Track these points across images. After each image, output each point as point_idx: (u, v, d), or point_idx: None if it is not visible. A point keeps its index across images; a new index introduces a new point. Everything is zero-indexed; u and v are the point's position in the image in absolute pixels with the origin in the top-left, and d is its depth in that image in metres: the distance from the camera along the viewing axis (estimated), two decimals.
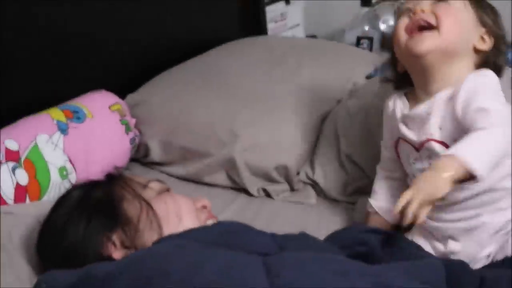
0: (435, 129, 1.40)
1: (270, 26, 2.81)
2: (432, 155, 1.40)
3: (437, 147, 1.38)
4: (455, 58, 1.42)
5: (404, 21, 1.43)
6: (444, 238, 1.46)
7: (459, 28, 1.41)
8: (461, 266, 1.36)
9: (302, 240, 1.34)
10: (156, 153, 1.96)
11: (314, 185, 1.88)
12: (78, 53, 1.96)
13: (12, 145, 1.63)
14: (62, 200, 1.39)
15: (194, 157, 1.91)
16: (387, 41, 2.85)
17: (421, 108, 1.42)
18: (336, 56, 2.32)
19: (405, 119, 1.47)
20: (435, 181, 1.22)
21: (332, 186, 1.86)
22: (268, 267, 1.11)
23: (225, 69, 2.13)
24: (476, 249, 1.42)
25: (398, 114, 1.49)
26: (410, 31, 1.41)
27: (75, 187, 1.43)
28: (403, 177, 1.57)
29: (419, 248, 1.44)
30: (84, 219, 1.30)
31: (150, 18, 2.20)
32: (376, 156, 1.81)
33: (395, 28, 1.47)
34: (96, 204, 1.33)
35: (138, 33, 2.17)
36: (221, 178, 1.88)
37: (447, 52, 1.41)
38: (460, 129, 1.34)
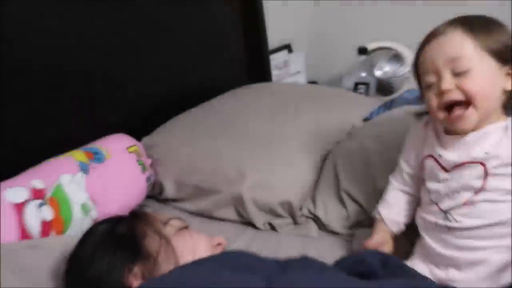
0: (480, 153, 1.38)
1: (274, 72, 2.83)
2: (464, 175, 1.40)
3: (475, 170, 1.39)
4: (494, 106, 1.39)
5: (434, 100, 1.39)
6: (446, 266, 1.44)
7: (490, 92, 1.37)
8: None
9: (304, 261, 1.35)
10: (170, 191, 1.97)
11: (316, 219, 1.88)
12: (98, 99, 1.99)
13: (39, 184, 1.64)
14: (89, 234, 1.41)
15: (205, 194, 1.91)
16: (382, 86, 2.88)
17: (470, 136, 1.40)
18: (335, 100, 2.34)
19: (445, 143, 1.45)
20: None
21: (332, 220, 1.85)
22: (269, 282, 1.14)
23: (233, 114, 2.15)
24: (476, 283, 1.40)
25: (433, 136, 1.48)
26: (445, 109, 1.38)
27: (101, 222, 1.44)
28: (416, 193, 1.57)
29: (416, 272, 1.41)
30: (109, 251, 1.32)
31: (164, 67, 2.22)
32: (373, 192, 1.83)
33: (429, 105, 1.41)
34: (121, 238, 1.35)
35: (153, 80, 2.19)
36: (229, 213, 1.88)
37: (487, 114, 1.38)
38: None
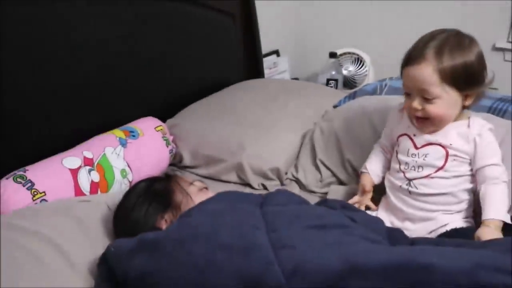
0: (445, 141, 1.40)
1: (266, 71, 2.82)
2: (429, 154, 1.42)
3: (436, 151, 1.41)
4: (451, 120, 1.40)
5: (407, 105, 1.41)
6: (403, 219, 1.46)
7: (447, 115, 1.37)
8: (399, 230, 1.39)
9: (285, 193, 1.39)
10: (187, 160, 1.97)
11: (297, 181, 1.89)
12: (133, 92, 1.99)
13: (88, 155, 1.66)
14: (132, 189, 1.44)
15: (214, 162, 1.91)
16: (348, 82, 2.89)
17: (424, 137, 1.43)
18: (312, 92, 2.34)
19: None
20: (492, 234, 1.29)
21: (310, 182, 1.86)
22: (266, 220, 1.16)
23: (235, 102, 2.15)
24: (423, 233, 1.42)
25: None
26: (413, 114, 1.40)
27: (141, 181, 1.46)
28: (389, 159, 1.57)
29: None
30: (147, 203, 1.35)
31: (184, 68, 2.21)
32: (341, 161, 1.85)
33: (405, 105, 1.43)
34: (156, 193, 1.38)
35: (175, 78, 2.18)
36: (232, 176, 1.88)
37: (444, 124, 1.39)
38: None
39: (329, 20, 3.12)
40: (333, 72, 2.84)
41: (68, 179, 1.57)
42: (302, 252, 1.07)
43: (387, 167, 1.59)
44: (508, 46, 2.67)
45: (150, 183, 1.43)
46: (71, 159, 1.62)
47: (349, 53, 2.92)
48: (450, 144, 1.40)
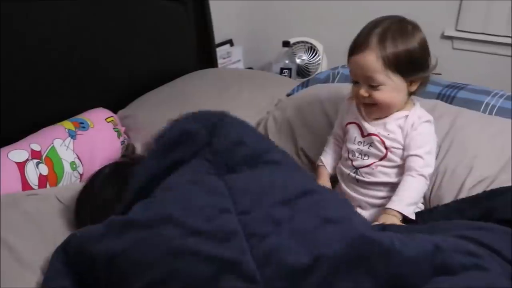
0: (385, 132, 1.44)
1: (220, 61, 2.80)
2: (373, 144, 1.45)
3: (378, 142, 1.44)
4: (398, 105, 1.43)
5: (354, 92, 1.43)
6: (355, 206, 1.46)
7: (393, 101, 1.40)
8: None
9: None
10: (140, 151, 1.92)
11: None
12: (83, 82, 1.95)
13: (36, 147, 1.63)
14: (97, 173, 1.41)
15: None
16: (301, 71, 2.91)
17: (374, 123, 1.45)
18: (266, 81, 2.34)
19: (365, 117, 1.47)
20: (391, 220, 1.35)
21: None
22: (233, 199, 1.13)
23: (188, 91, 2.13)
24: (372, 219, 1.43)
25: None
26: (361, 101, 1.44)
27: (106, 165, 1.43)
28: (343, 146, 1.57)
29: None
30: (117, 183, 1.32)
31: (134, 57, 2.18)
32: (294, 148, 1.86)
33: (353, 93, 1.46)
34: (125, 174, 1.32)
35: (126, 68, 2.15)
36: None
37: (391, 110, 1.43)
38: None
39: (282, 9, 3.12)
40: (287, 61, 2.85)
41: (15, 173, 1.53)
42: (272, 243, 1.04)
43: (339, 157, 1.61)
44: (457, 34, 2.73)
45: (116, 165, 1.40)
46: (17, 152, 1.58)
47: (302, 42, 2.94)
48: (388, 135, 1.44)
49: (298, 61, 2.90)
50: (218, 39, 2.78)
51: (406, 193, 1.39)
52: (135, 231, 1.09)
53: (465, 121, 1.69)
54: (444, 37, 2.75)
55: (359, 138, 1.48)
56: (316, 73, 2.72)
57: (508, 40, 2.63)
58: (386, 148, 1.44)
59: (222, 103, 2.01)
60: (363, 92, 1.40)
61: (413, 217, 1.38)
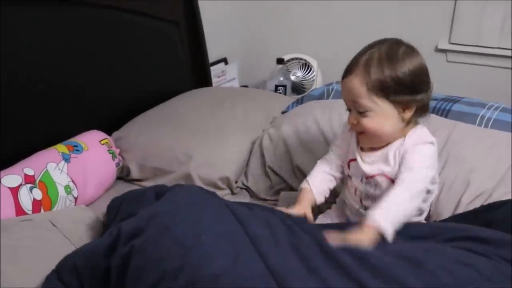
0: (386, 168, 1.34)
1: (214, 80, 2.80)
2: (379, 184, 1.35)
3: (385, 180, 1.34)
4: (391, 134, 1.32)
5: (348, 118, 1.34)
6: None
7: (383, 128, 1.30)
8: None
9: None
10: (135, 173, 1.94)
11: (248, 189, 1.89)
12: (76, 103, 1.94)
13: (29, 172, 1.61)
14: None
15: (162, 174, 1.89)
16: (296, 87, 2.91)
17: (372, 157, 1.36)
18: (261, 99, 2.34)
19: (362, 154, 1.38)
20: (361, 240, 1.16)
21: (260, 189, 1.87)
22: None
23: (182, 111, 2.12)
24: None
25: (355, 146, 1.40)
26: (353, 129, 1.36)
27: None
28: (339, 178, 1.48)
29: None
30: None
31: (127, 77, 2.18)
32: (290, 166, 1.85)
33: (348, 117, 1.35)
34: None
35: (120, 90, 2.15)
36: None
37: (383, 138, 1.33)
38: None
39: (276, 26, 3.14)
40: (281, 78, 2.85)
41: (8, 198, 1.52)
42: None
43: (332, 185, 1.49)
44: (450, 47, 2.74)
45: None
46: (10, 177, 1.57)
47: (296, 58, 2.94)
48: (391, 170, 1.34)
49: (292, 77, 2.90)
50: (212, 57, 2.79)
51: (387, 206, 1.25)
52: (148, 234, 1.11)
53: (460, 134, 1.69)
54: (438, 50, 2.76)
55: (365, 179, 1.39)
56: (311, 89, 2.72)
57: (500, 52, 2.64)
58: (393, 180, 1.33)
59: (216, 122, 2.02)
60: (352, 118, 1.33)
61: (389, 236, 1.20)
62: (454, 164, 1.59)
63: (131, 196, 1.42)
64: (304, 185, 1.46)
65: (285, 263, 1.06)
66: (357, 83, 1.28)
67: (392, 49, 1.30)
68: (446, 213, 1.50)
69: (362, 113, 1.30)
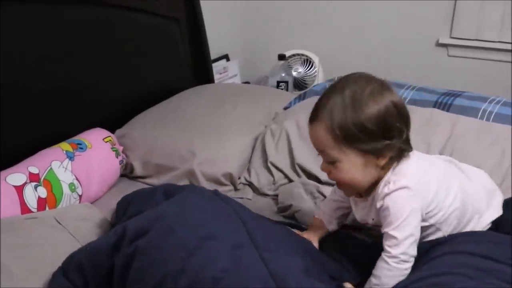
0: (370, 219, 1.27)
1: (216, 77, 2.81)
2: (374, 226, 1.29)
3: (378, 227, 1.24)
4: (367, 182, 1.20)
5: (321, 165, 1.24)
6: None
7: (350, 177, 1.18)
8: None
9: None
10: (138, 170, 1.94)
11: (250, 185, 1.89)
12: (79, 101, 1.95)
13: (34, 170, 1.62)
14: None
15: (165, 171, 1.89)
16: (298, 83, 2.92)
17: (363, 204, 1.28)
18: (263, 95, 2.35)
19: (356, 201, 1.31)
20: None
21: (263, 185, 1.87)
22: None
23: (184, 108, 2.13)
24: None
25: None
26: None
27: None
28: (350, 208, 1.37)
29: None
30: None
31: (129, 75, 2.18)
32: (291, 162, 1.86)
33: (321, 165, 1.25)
34: None
35: (122, 85, 2.16)
36: (185, 184, 1.81)
37: (359, 188, 1.22)
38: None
39: (277, 22, 3.14)
40: (283, 74, 2.86)
41: (13, 196, 1.52)
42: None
43: (344, 213, 1.43)
44: (451, 41, 2.74)
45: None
46: (15, 175, 1.57)
47: (297, 54, 2.95)
48: (379, 219, 1.24)
49: (294, 73, 2.90)
50: (214, 54, 2.79)
51: (375, 279, 1.19)
52: (152, 235, 1.11)
53: (463, 128, 1.69)
54: (439, 44, 2.76)
55: (368, 225, 1.34)
56: (313, 85, 2.73)
57: (501, 46, 2.64)
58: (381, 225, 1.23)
59: (218, 119, 2.03)
60: (323, 167, 1.22)
61: None
62: (459, 159, 1.59)
63: (140, 195, 1.43)
64: (316, 213, 1.44)
65: (287, 268, 1.07)
66: (322, 132, 1.16)
67: (356, 91, 1.15)
68: None
69: (331, 163, 1.19)
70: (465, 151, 1.61)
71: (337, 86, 1.18)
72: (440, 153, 1.59)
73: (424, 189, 1.21)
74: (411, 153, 1.22)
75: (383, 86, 1.17)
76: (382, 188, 1.19)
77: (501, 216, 1.31)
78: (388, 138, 1.14)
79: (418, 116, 1.79)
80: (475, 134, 1.67)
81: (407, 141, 1.19)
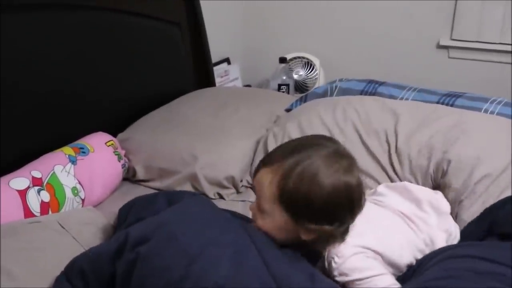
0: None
1: (217, 80, 2.81)
2: None
3: None
4: (282, 242, 1.16)
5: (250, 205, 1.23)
6: None
7: (277, 235, 1.15)
8: None
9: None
10: (140, 173, 1.94)
11: (253, 188, 1.85)
12: (81, 106, 1.95)
13: (37, 174, 1.62)
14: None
15: (167, 174, 1.89)
16: (299, 86, 2.92)
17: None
18: (264, 98, 2.35)
19: None
20: None
21: None
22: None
23: (186, 112, 2.13)
24: None
25: None
26: None
27: None
28: None
29: None
30: None
31: (131, 79, 2.18)
32: None
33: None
34: None
35: (124, 89, 2.16)
36: (187, 187, 1.85)
37: (275, 240, 1.16)
38: None
39: (278, 26, 3.14)
40: (284, 77, 2.86)
41: (16, 201, 1.52)
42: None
43: None
44: (452, 43, 2.74)
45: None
46: (18, 180, 1.57)
47: (298, 57, 2.95)
48: None
49: (295, 76, 2.91)
50: (215, 58, 2.79)
51: None
52: (154, 241, 1.11)
53: (470, 118, 1.72)
54: (440, 46, 2.76)
55: None
56: (314, 87, 2.73)
57: (502, 47, 2.64)
58: None
59: (220, 122, 2.03)
60: (251, 207, 1.21)
61: None
62: (465, 141, 1.61)
63: (141, 201, 1.43)
64: None
65: (289, 272, 1.08)
66: (267, 182, 1.13)
67: (319, 166, 1.09)
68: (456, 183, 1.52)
69: (260, 209, 1.17)
70: (471, 136, 1.63)
71: (303, 147, 1.14)
72: (445, 140, 1.61)
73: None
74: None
75: (345, 167, 1.11)
76: (328, 265, 1.18)
77: (494, 218, 1.33)
78: (323, 221, 1.10)
79: (422, 109, 1.82)
80: (482, 123, 1.69)
81: (345, 231, 1.14)
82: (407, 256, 1.24)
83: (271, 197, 1.12)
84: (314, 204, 1.09)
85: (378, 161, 1.74)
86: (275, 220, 1.14)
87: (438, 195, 1.43)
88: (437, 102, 1.92)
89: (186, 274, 1.04)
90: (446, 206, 1.39)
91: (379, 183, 1.65)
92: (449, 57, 2.79)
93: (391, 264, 1.22)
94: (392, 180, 1.70)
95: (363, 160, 1.73)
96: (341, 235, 1.13)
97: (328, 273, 1.19)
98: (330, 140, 1.19)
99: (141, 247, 1.12)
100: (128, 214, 1.40)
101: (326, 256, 1.19)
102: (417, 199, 1.34)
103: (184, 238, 1.11)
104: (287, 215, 1.12)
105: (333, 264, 1.18)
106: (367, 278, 1.16)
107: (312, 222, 1.10)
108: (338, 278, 1.18)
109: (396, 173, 1.71)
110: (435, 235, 1.29)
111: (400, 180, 1.68)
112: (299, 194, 1.09)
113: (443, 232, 1.32)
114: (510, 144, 1.59)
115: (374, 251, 1.20)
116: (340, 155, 1.13)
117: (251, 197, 1.83)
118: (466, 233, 1.38)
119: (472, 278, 1.07)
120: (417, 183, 1.65)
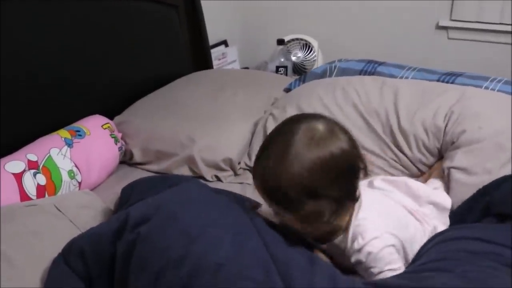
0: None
1: (215, 63, 2.79)
2: None
3: None
4: None
5: None
6: None
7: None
8: None
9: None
10: (137, 156, 1.93)
11: (250, 170, 1.85)
12: (77, 88, 1.93)
13: (33, 157, 1.61)
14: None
15: (165, 157, 1.88)
16: (297, 68, 2.89)
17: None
18: (262, 80, 2.33)
19: None
20: None
21: None
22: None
23: (184, 95, 2.11)
24: None
25: None
26: None
27: None
28: None
29: None
30: None
31: (128, 62, 2.17)
32: None
33: None
34: None
35: (121, 74, 2.14)
36: (185, 170, 1.84)
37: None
38: None
39: (275, 7, 3.11)
40: (282, 59, 2.84)
41: (12, 184, 1.51)
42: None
43: None
44: (451, 24, 2.71)
45: None
46: (14, 163, 1.56)
47: (296, 39, 2.93)
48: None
49: (293, 58, 2.88)
50: (212, 40, 2.77)
51: None
52: (155, 221, 1.10)
53: (473, 92, 1.70)
54: (439, 27, 2.73)
55: None
56: (313, 69, 2.70)
57: (502, 27, 2.62)
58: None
59: (218, 105, 2.01)
60: None
61: None
62: (468, 117, 1.60)
63: (143, 183, 1.43)
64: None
65: (289, 254, 1.07)
66: (258, 181, 1.15)
67: (305, 139, 1.08)
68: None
69: None
70: (475, 111, 1.61)
71: (290, 126, 1.13)
72: (450, 116, 1.61)
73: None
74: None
75: (336, 149, 1.08)
76: (350, 244, 1.16)
77: (490, 198, 1.31)
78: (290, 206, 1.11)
79: (424, 85, 1.80)
80: (486, 99, 1.68)
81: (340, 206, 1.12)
82: (416, 249, 1.22)
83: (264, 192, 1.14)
84: (288, 191, 1.08)
85: (383, 141, 1.72)
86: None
87: (439, 191, 1.43)
88: (437, 81, 1.91)
89: (186, 254, 1.04)
90: (447, 202, 1.38)
91: (385, 161, 1.67)
92: (448, 38, 2.76)
93: (405, 257, 1.21)
94: (399, 159, 1.69)
95: (366, 140, 1.72)
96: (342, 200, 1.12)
97: (342, 249, 1.18)
98: (299, 120, 1.14)
99: (141, 227, 1.11)
100: (131, 195, 1.38)
101: (350, 233, 1.16)
102: (417, 195, 1.34)
103: (185, 219, 1.10)
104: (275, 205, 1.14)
105: (355, 245, 1.15)
106: (389, 270, 1.13)
107: (283, 207, 1.13)
108: (358, 257, 1.15)
109: (403, 153, 1.69)
110: (439, 229, 1.29)
111: (408, 159, 1.66)
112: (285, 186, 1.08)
113: (444, 226, 1.32)
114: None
115: (400, 243, 1.18)
116: (311, 129, 1.10)
117: (249, 179, 1.82)
118: (462, 210, 1.37)
119: (468, 259, 1.06)
120: (427, 160, 1.64)
